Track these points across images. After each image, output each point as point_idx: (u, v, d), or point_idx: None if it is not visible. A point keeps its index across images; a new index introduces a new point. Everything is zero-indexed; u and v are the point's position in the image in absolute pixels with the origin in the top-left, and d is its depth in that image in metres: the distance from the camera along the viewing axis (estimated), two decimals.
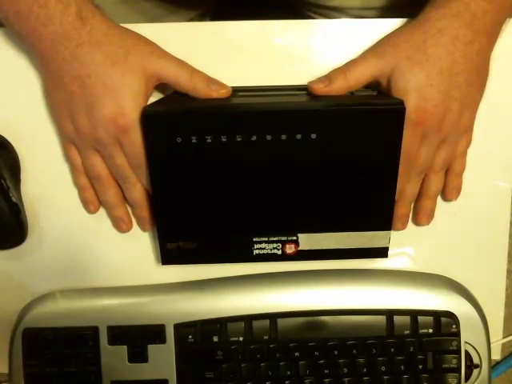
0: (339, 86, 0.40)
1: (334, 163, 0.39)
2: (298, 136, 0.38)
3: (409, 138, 0.38)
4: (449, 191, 0.44)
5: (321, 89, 0.40)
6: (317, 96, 0.40)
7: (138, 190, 0.42)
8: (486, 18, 0.38)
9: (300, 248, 0.42)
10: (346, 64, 0.41)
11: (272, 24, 0.43)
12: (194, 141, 0.38)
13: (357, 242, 0.42)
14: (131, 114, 0.38)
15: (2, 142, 0.44)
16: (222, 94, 0.40)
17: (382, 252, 0.42)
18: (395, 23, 0.42)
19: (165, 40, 0.42)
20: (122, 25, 0.40)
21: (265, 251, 0.42)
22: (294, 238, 0.41)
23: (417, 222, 0.45)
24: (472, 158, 0.44)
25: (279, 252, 0.42)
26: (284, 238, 0.41)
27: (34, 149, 0.45)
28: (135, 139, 0.39)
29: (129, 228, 0.45)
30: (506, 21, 0.40)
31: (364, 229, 0.41)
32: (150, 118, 0.38)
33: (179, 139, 0.38)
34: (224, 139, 0.38)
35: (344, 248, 0.42)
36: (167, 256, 0.42)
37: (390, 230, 0.41)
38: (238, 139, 0.38)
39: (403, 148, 0.38)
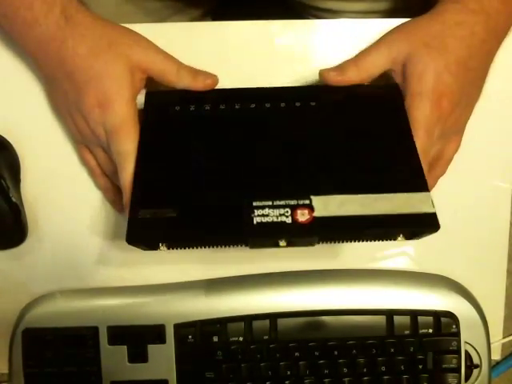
0: (351, 77, 0.38)
1: (341, 125, 0.37)
2: (298, 103, 0.37)
3: (429, 120, 0.37)
4: None
5: (333, 77, 0.39)
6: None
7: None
8: (499, 20, 0.37)
9: (316, 214, 0.32)
10: (358, 55, 0.40)
11: (272, 24, 0.43)
12: (191, 108, 0.37)
13: (388, 207, 0.32)
14: (114, 97, 0.37)
15: (2, 141, 0.44)
16: (208, 84, 0.40)
17: (429, 219, 0.31)
18: (396, 23, 0.42)
19: (165, 40, 0.42)
20: (124, 24, 0.40)
21: (269, 219, 0.32)
22: (307, 201, 0.32)
23: None
24: (472, 157, 0.44)
25: (289, 220, 0.32)
26: (293, 202, 0.32)
27: (34, 149, 0.45)
28: (116, 123, 0.37)
29: None
30: None
31: (393, 190, 0.32)
32: (152, 94, 0.39)
33: (177, 107, 0.38)
34: (222, 107, 0.37)
35: (375, 214, 0.32)
36: (136, 229, 0.32)
37: (428, 191, 0.32)
38: (237, 107, 0.37)
39: (425, 133, 0.37)
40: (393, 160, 0.35)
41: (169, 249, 0.33)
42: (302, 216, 0.32)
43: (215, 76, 0.40)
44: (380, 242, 0.33)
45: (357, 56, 0.40)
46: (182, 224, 0.32)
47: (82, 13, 0.38)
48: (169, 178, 0.34)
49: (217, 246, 0.34)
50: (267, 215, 0.32)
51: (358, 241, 0.34)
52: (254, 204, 0.32)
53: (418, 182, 0.33)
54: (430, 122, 0.37)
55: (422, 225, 0.32)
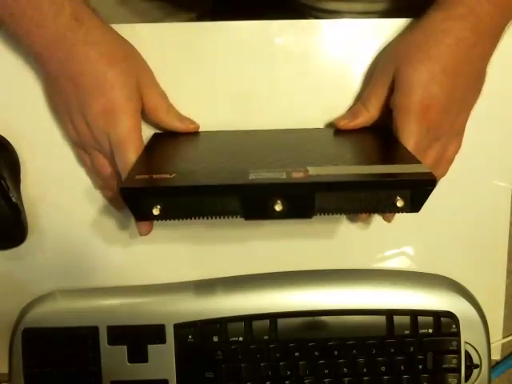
0: (363, 120, 0.41)
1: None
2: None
3: (417, 133, 0.38)
4: None
5: (346, 124, 0.42)
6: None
7: None
8: (491, 22, 0.37)
9: (311, 173, 0.33)
10: (363, 96, 0.42)
11: (272, 24, 0.43)
12: (194, 136, 0.43)
13: (385, 170, 0.33)
14: (123, 108, 0.38)
15: (2, 142, 0.44)
16: (191, 128, 0.43)
17: (425, 175, 0.32)
18: (395, 23, 0.42)
19: (164, 40, 0.42)
20: (121, 25, 0.40)
21: (264, 176, 0.33)
22: (302, 169, 0.33)
23: (385, 219, 0.44)
24: (472, 158, 0.44)
25: (283, 176, 0.33)
26: (289, 169, 0.33)
27: (34, 149, 0.45)
28: (122, 134, 0.38)
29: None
30: None
31: (389, 162, 0.35)
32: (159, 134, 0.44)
33: (181, 138, 0.42)
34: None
35: (372, 172, 0.33)
36: (132, 183, 0.32)
37: (420, 163, 0.34)
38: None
39: (414, 145, 0.38)
40: (385, 153, 0.38)
41: (162, 216, 0.32)
42: (297, 174, 0.33)
43: (197, 124, 0.43)
44: (379, 214, 0.36)
45: (363, 98, 0.42)
46: (178, 182, 0.33)
47: (95, 19, 0.38)
48: (168, 158, 0.37)
49: (211, 215, 0.34)
50: (263, 175, 0.33)
51: (357, 208, 0.33)
52: (250, 171, 0.33)
53: (410, 159, 0.35)
54: (419, 135, 0.38)
55: (419, 177, 0.32)
